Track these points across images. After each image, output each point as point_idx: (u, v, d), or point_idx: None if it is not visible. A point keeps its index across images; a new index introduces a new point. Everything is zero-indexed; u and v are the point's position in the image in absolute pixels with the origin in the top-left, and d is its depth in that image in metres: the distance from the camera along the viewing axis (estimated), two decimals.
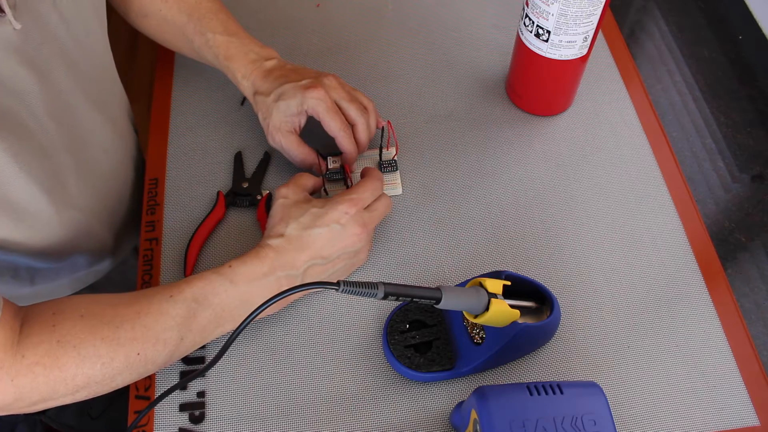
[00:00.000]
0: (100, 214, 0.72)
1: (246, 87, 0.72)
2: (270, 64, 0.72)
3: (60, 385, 0.52)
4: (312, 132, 0.71)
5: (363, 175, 0.68)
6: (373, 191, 0.65)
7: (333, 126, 0.68)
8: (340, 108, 0.69)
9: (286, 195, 0.64)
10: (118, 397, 0.58)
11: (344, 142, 0.69)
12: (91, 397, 0.55)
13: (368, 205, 0.65)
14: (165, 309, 0.56)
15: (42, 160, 0.59)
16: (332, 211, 0.62)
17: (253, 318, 0.50)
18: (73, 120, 0.64)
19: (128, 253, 0.84)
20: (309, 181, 0.67)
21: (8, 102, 0.54)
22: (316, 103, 0.67)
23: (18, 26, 0.53)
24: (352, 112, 0.69)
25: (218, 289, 0.58)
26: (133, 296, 0.57)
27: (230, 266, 0.59)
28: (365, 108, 0.71)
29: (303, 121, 0.70)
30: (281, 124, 0.69)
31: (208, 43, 0.72)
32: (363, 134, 0.70)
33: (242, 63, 0.71)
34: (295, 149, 0.70)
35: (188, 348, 0.58)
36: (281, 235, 0.61)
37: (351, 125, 0.70)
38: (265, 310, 0.61)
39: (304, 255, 0.61)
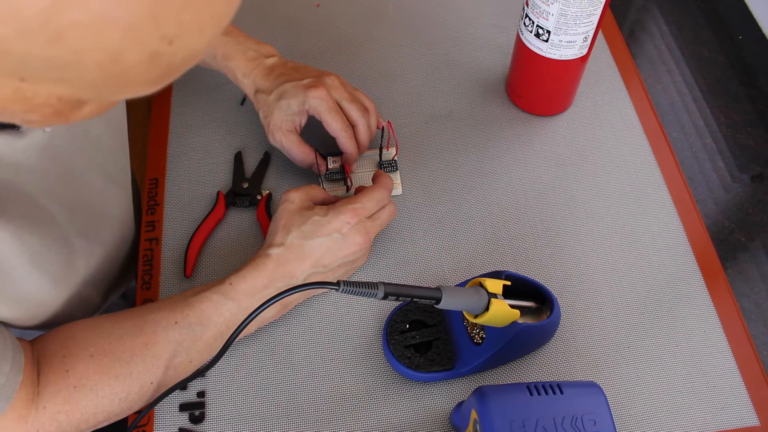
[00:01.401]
0: (97, 282, 0.70)
1: (247, 85, 0.72)
2: (271, 61, 0.71)
3: (83, 424, 0.54)
4: (312, 131, 0.71)
5: (374, 179, 0.67)
6: (378, 201, 0.64)
7: (335, 126, 0.68)
8: (341, 108, 0.69)
9: (292, 200, 0.63)
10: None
11: (345, 142, 0.69)
12: (112, 422, 0.57)
13: (372, 214, 0.64)
14: (171, 336, 0.56)
15: (57, 253, 0.58)
16: (334, 221, 0.61)
17: (251, 319, 0.50)
18: (88, 199, 0.62)
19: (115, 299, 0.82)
20: (320, 194, 0.66)
21: (30, 201, 0.53)
22: (318, 103, 0.67)
23: (48, 129, 0.51)
24: (354, 112, 0.69)
25: (221, 309, 0.58)
26: (136, 324, 0.57)
27: (231, 284, 0.59)
28: (366, 109, 0.71)
29: (304, 120, 0.70)
30: (282, 122, 0.69)
31: None
32: (363, 135, 0.70)
33: (241, 61, 0.71)
34: (296, 148, 0.70)
35: (197, 365, 0.59)
36: (282, 245, 0.61)
37: (352, 126, 0.70)
38: (265, 317, 0.61)
39: (304, 264, 0.60)
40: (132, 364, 0.55)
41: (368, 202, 0.63)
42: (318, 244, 0.61)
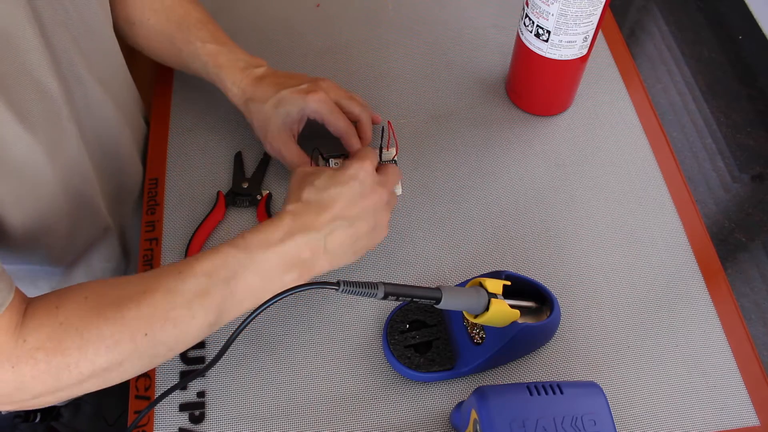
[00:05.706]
0: (101, 187, 0.69)
1: (236, 94, 0.71)
2: (260, 71, 0.72)
3: (63, 372, 0.49)
4: (313, 134, 0.71)
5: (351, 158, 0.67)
6: (373, 151, 0.65)
7: (339, 125, 0.68)
8: (341, 107, 0.70)
9: (301, 168, 0.63)
10: None
11: (352, 140, 0.69)
12: (101, 387, 0.52)
13: (378, 171, 0.63)
14: (173, 286, 0.52)
15: (46, 123, 0.57)
16: (348, 169, 0.60)
17: (257, 315, 0.49)
18: (76, 88, 0.62)
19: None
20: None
21: (17, 60, 0.53)
22: (319, 106, 0.68)
23: None
24: (355, 108, 0.70)
25: (230, 261, 0.54)
26: (141, 276, 0.54)
27: (243, 236, 0.56)
28: (363, 104, 0.72)
29: (302, 126, 0.70)
30: (280, 131, 0.69)
31: (197, 51, 0.72)
32: (367, 129, 0.71)
33: (231, 71, 0.71)
34: (295, 157, 0.70)
35: (202, 328, 0.54)
36: (298, 200, 0.59)
37: (355, 121, 0.71)
38: (285, 282, 0.58)
39: (325, 216, 0.58)
40: (125, 308, 0.51)
41: (369, 151, 0.64)
42: (336, 193, 0.59)
